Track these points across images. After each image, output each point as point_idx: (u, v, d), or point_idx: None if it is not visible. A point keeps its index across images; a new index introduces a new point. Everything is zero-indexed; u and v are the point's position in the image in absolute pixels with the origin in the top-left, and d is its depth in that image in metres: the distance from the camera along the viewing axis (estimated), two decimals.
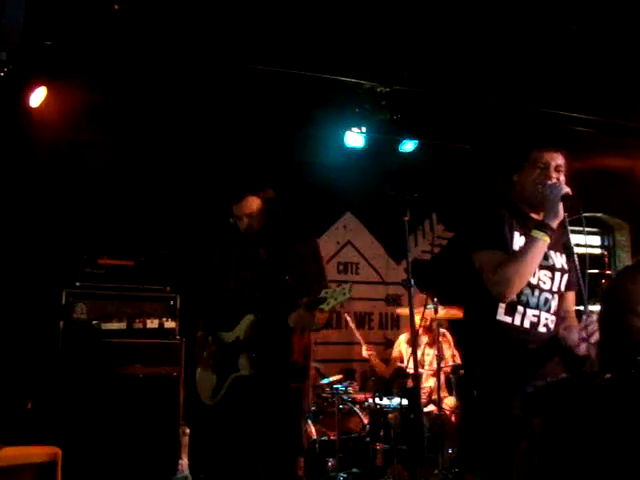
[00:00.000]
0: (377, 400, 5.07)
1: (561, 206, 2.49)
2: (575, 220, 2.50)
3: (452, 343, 5.68)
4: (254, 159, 5.76)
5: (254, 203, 3.27)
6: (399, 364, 5.79)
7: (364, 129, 6.05)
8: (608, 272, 7.30)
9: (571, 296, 2.76)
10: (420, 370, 5.42)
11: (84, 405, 4.38)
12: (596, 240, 7.96)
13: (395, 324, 6.78)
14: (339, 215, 6.70)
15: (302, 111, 5.73)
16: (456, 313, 5.12)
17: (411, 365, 4.49)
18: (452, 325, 5.73)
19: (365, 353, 5.82)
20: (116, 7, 4.22)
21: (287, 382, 3.23)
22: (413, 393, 4.90)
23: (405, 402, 4.90)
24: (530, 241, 2.51)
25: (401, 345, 5.87)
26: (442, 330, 5.58)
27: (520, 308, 2.58)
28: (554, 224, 2.50)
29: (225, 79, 5.26)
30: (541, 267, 2.60)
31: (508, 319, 2.58)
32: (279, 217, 3.34)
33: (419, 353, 5.56)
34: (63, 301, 4.61)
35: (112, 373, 4.51)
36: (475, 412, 2.65)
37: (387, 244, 6.80)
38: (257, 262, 3.31)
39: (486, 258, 2.55)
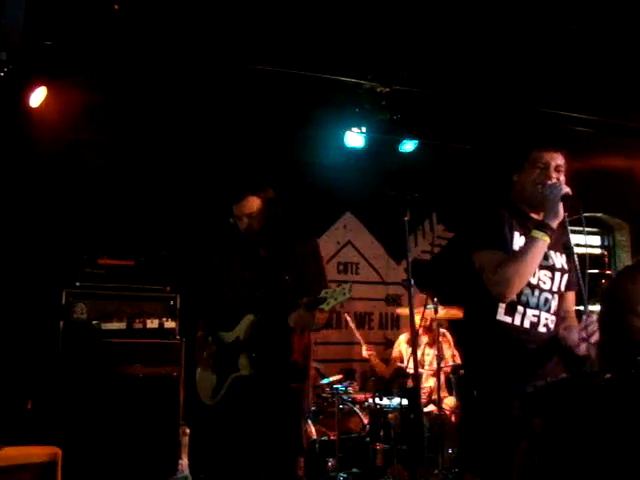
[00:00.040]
0: (377, 400, 5.07)
1: (561, 206, 2.49)
2: (575, 220, 2.50)
3: (452, 343, 5.68)
4: (254, 159, 5.76)
5: (254, 203, 3.27)
6: (399, 364, 5.78)
7: (364, 129, 6.05)
8: (608, 272, 7.29)
9: (571, 296, 2.76)
10: (420, 370, 5.42)
11: (84, 405, 4.39)
12: (596, 240, 7.96)
13: (395, 324, 6.78)
14: (339, 215, 6.70)
15: (302, 111, 5.74)
16: (456, 313, 5.12)
17: (411, 365, 4.49)
18: (452, 325, 5.73)
19: (365, 353, 5.82)
20: (116, 7, 4.22)
21: (287, 382, 3.23)
22: (413, 393, 4.90)
23: (405, 402, 4.90)
24: (530, 241, 2.51)
25: (401, 345, 5.87)
26: (442, 330, 5.58)
27: (520, 308, 2.58)
28: (554, 224, 2.50)
29: (225, 79, 5.27)
30: (541, 267, 2.60)
31: (508, 319, 2.58)
32: (279, 217, 3.33)
33: (419, 353, 5.56)
34: (63, 301, 4.62)
35: (112, 373, 4.52)
36: (475, 412, 2.65)
37: (387, 244, 6.80)
38: (257, 262, 3.31)
39: (486, 258, 2.54)
